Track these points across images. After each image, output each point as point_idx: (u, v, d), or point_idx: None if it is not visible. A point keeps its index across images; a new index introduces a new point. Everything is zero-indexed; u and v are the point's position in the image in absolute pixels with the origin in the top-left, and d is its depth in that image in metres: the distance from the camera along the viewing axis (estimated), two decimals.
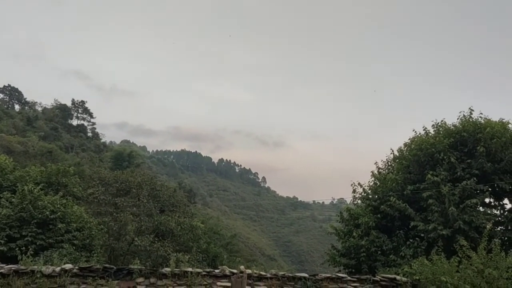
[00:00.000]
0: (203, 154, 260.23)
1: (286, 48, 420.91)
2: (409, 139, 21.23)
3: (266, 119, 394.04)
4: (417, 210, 18.76)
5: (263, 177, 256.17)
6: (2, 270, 10.71)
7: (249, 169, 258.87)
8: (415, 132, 21.13)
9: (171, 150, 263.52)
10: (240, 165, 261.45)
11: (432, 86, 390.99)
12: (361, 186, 21.42)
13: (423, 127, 21.01)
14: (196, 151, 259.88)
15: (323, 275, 13.45)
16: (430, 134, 20.49)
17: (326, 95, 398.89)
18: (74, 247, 19.87)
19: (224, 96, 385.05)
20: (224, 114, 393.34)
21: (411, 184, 19.31)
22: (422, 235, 18.34)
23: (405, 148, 21.17)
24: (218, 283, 12.33)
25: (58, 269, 11.12)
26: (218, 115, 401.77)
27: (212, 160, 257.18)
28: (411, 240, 18.15)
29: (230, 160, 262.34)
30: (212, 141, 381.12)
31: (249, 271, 12.64)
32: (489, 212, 18.73)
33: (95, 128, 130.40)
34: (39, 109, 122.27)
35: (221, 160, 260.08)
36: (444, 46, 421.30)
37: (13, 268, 10.90)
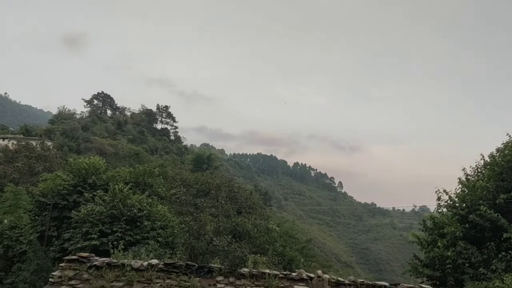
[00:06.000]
0: (279, 158, 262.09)
1: (363, 48, 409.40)
2: (502, 143, 19.61)
3: (341, 122, 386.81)
4: (511, 221, 17.28)
5: (340, 182, 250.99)
6: (96, 263, 11.61)
7: (325, 173, 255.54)
8: (509, 136, 19.49)
9: (248, 154, 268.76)
10: (316, 169, 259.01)
11: None
12: (447, 193, 20.18)
13: None
14: (271, 155, 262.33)
15: (405, 285, 12.83)
16: None
17: (403, 96, 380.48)
18: (158, 244, 21.06)
19: (299, 100, 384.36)
20: (299, 118, 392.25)
21: (504, 192, 17.84)
22: None
23: (498, 154, 19.58)
24: (295, 286, 12.26)
25: (145, 263, 11.82)
26: (293, 119, 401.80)
27: (288, 164, 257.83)
28: (503, 253, 16.74)
29: (305, 164, 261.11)
30: (287, 145, 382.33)
31: (326, 276, 12.45)
32: None
33: (177, 132, 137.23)
34: (128, 114, 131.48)
35: (296, 164, 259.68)
36: None
37: (106, 261, 11.78)
